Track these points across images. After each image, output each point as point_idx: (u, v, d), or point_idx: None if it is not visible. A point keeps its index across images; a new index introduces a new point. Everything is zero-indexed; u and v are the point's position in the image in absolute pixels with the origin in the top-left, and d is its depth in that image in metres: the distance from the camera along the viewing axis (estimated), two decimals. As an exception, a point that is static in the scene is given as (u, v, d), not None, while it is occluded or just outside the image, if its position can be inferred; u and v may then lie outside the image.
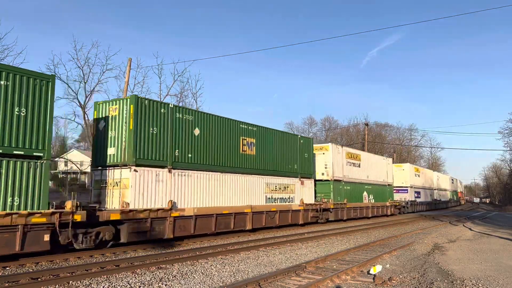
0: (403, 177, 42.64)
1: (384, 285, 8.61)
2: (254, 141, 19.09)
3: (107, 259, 11.43)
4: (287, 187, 21.30)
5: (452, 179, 76.35)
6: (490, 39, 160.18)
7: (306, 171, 23.19)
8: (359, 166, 30.44)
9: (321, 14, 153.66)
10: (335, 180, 26.54)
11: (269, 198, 19.79)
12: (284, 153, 21.33)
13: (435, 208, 54.22)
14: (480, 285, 8.57)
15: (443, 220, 32.73)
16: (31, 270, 9.67)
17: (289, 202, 21.29)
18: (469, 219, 35.30)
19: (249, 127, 18.97)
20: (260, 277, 8.74)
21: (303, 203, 22.08)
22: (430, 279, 9.14)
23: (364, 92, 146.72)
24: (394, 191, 39.56)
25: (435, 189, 55.73)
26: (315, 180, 25.32)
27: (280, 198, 20.62)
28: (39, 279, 8.61)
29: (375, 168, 33.66)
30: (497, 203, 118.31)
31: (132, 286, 8.27)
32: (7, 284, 8.08)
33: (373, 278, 9.08)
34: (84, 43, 76.37)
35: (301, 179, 22.56)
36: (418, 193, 45.78)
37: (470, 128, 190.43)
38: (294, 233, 19.40)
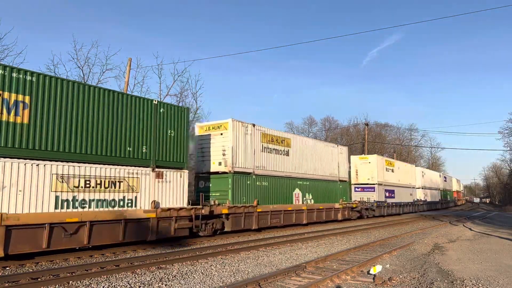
0: (369, 171, 33.74)
1: (384, 285, 8.62)
2: (27, 100, 11.09)
3: (107, 259, 11.44)
4: (120, 182, 13.11)
5: (445, 177, 68.06)
6: (490, 39, 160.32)
7: (171, 157, 15.02)
8: (286, 154, 22.06)
9: (321, 14, 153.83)
10: (236, 172, 18.31)
11: (68, 200, 11.68)
12: (114, 125, 13.23)
13: (418, 210, 45.33)
14: (480, 285, 8.57)
15: (443, 220, 32.75)
16: (31, 270, 9.68)
17: (124, 206, 13.15)
18: (469, 219, 35.31)
19: (14, 74, 10.91)
20: (260, 277, 8.74)
21: (154, 207, 13.96)
22: (430, 279, 9.14)
23: (364, 92, 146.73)
24: (359, 189, 33.66)
25: (418, 188, 46.66)
26: (209, 173, 18.86)
27: (102, 200, 12.56)
28: (39, 279, 8.62)
29: (317, 158, 25.25)
30: (497, 203, 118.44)
31: (132, 286, 8.27)
32: (7, 284, 8.08)
33: (373, 278, 9.08)
34: (84, 43, 76.29)
35: (158, 169, 14.40)
36: (391, 192, 36.68)
37: (470, 128, 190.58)
38: (294, 233, 19.40)
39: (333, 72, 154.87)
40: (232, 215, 17.72)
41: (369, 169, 33.87)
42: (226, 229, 17.69)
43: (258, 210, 19.24)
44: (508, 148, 61.41)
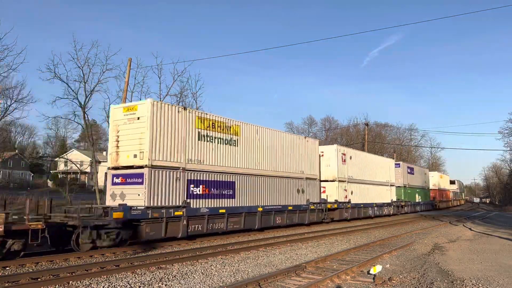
0: (138, 139, 14.52)
1: (384, 285, 8.61)
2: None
3: (107, 259, 11.44)
4: None
5: (410, 168, 44.60)
6: (490, 39, 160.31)
7: None
8: None
9: (321, 14, 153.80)
10: None
11: None
12: None
13: (317, 220, 23.63)
14: (480, 285, 8.57)
15: (443, 220, 32.74)
16: (31, 270, 9.67)
17: None
18: (469, 219, 35.29)
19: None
20: (260, 277, 8.74)
21: None
22: (430, 279, 9.13)
23: (364, 92, 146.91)
24: (118, 179, 14.87)
25: (331, 181, 26.75)
26: None
27: None
28: (39, 279, 8.62)
29: None
30: (497, 203, 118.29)
31: (132, 286, 8.27)
32: (7, 284, 8.08)
33: (373, 278, 9.08)
34: (84, 43, 76.28)
35: None
36: (220, 185, 17.10)
37: (470, 128, 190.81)
38: (294, 233, 19.39)
39: (333, 72, 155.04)
40: None
41: (138, 133, 14.66)
42: None
43: None
44: (508, 148, 61.27)
